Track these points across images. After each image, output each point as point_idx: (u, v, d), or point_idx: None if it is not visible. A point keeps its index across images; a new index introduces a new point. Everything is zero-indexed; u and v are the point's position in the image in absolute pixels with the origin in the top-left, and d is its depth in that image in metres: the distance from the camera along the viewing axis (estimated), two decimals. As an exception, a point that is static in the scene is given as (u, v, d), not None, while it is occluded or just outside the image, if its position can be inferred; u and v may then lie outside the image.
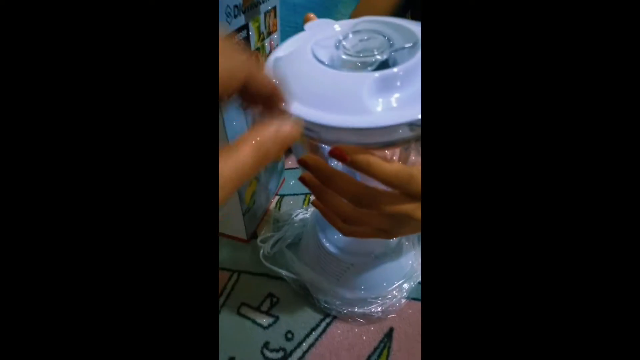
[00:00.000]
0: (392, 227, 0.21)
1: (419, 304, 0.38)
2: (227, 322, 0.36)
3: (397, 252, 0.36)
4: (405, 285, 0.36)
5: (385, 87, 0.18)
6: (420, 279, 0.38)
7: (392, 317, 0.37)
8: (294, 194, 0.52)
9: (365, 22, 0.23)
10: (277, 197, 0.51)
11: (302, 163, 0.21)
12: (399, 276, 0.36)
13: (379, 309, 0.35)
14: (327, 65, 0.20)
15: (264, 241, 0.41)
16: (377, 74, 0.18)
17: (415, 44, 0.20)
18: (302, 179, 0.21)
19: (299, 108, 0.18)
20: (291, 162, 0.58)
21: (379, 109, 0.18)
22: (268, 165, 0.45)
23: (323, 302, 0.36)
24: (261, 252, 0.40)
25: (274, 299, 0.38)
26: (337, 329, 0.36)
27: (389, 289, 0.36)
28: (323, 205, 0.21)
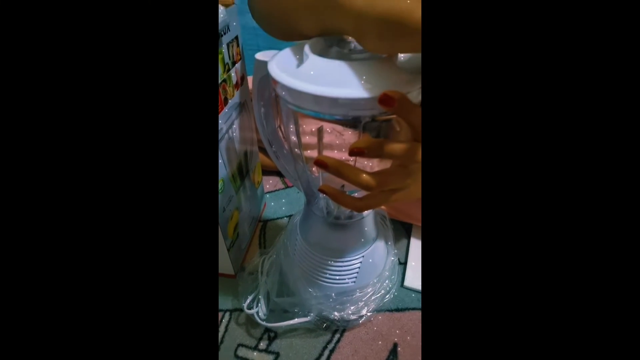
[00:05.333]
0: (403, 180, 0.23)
1: (418, 314, 0.38)
2: (225, 368, 0.34)
3: (384, 231, 0.39)
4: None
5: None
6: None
7: (394, 331, 0.36)
8: (277, 218, 0.50)
9: None
10: (260, 224, 0.49)
11: (319, 162, 0.23)
12: (389, 253, 0.39)
13: (382, 290, 0.37)
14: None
15: (250, 307, 0.37)
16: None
17: None
18: (319, 162, 0.22)
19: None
20: (269, 185, 0.57)
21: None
22: (248, 193, 0.44)
23: (333, 318, 0.35)
24: (257, 320, 0.36)
25: (271, 334, 0.37)
26: (341, 356, 0.35)
27: (386, 267, 0.38)
28: (346, 178, 0.22)
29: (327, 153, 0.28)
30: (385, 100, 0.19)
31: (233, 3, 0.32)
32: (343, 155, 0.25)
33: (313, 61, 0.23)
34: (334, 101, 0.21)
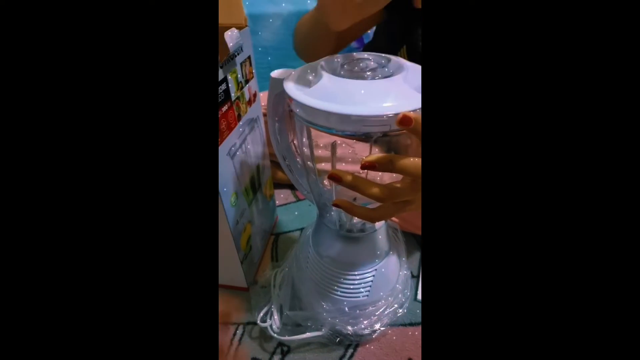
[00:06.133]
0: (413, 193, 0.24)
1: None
2: (238, 383, 0.34)
3: (396, 244, 0.39)
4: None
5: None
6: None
7: (407, 346, 0.36)
8: (289, 231, 0.51)
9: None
10: (272, 237, 0.50)
11: (333, 176, 0.24)
12: (401, 267, 0.39)
13: (395, 304, 0.37)
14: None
15: (264, 320, 0.37)
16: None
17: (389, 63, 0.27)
18: (333, 176, 0.24)
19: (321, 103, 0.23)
20: (280, 199, 0.57)
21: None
22: (260, 206, 0.44)
23: (346, 332, 0.34)
24: (271, 333, 0.35)
25: (285, 348, 0.36)
26: (355, 370, 0.34)
27: (399, 280, 0.38)
28: (359, 190, 0.24)
29: (339, 166, 0.29)
30: (404, 121, 0.21)
31: (246, 25, 0.34)
32: (354, 168, 0.26)
33: (326, 80, 0.24)
34: (346, 118, 0.22)
